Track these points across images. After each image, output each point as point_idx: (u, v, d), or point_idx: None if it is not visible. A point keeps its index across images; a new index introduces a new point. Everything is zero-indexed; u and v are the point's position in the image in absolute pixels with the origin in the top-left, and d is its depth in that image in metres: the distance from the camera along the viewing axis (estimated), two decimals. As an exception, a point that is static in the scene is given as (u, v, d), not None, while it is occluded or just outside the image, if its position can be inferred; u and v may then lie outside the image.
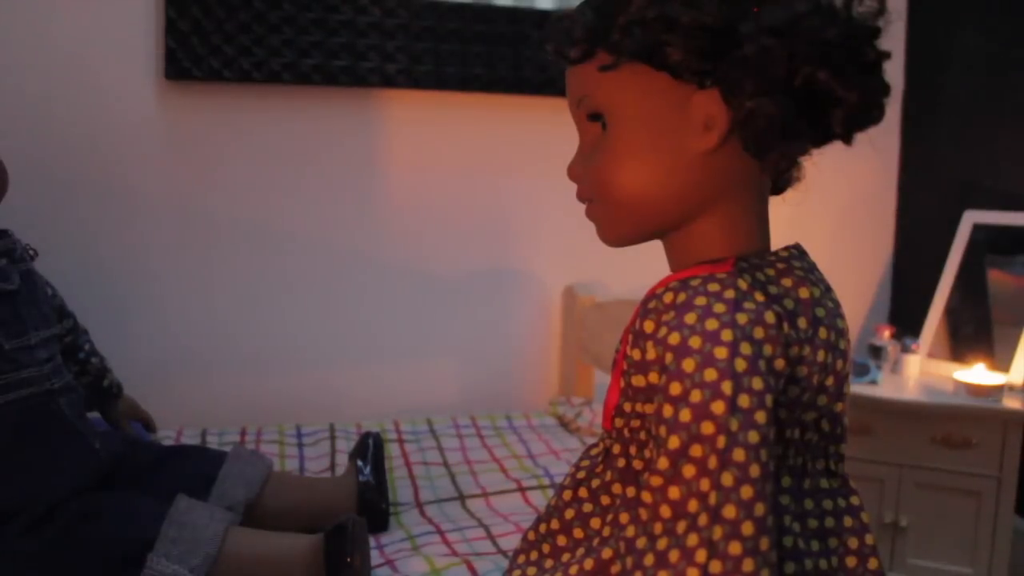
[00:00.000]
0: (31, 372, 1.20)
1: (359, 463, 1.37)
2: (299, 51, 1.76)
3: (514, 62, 1.90)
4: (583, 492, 0.72)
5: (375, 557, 1.20)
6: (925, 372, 1.99)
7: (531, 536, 0.75)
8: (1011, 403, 1.79)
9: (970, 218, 2.04)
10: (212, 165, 1.80)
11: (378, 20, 1.81)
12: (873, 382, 1.92)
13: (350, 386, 1.92)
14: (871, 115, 0.63)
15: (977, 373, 1.87)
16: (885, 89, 0.63)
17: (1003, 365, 1.88)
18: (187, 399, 1.80)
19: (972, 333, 2.00)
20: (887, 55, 0.62)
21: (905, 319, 2.19)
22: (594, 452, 0.73)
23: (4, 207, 1.23)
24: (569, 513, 0.72)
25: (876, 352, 2.01)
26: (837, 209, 2.21)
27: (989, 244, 2.01)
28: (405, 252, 1.94)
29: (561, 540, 0.72)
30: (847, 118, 0.62)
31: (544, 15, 1.92)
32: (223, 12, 1.71)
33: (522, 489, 1.48)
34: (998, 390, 1.81)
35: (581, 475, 0.72)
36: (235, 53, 1.73)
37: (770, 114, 0.60)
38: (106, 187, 1.74)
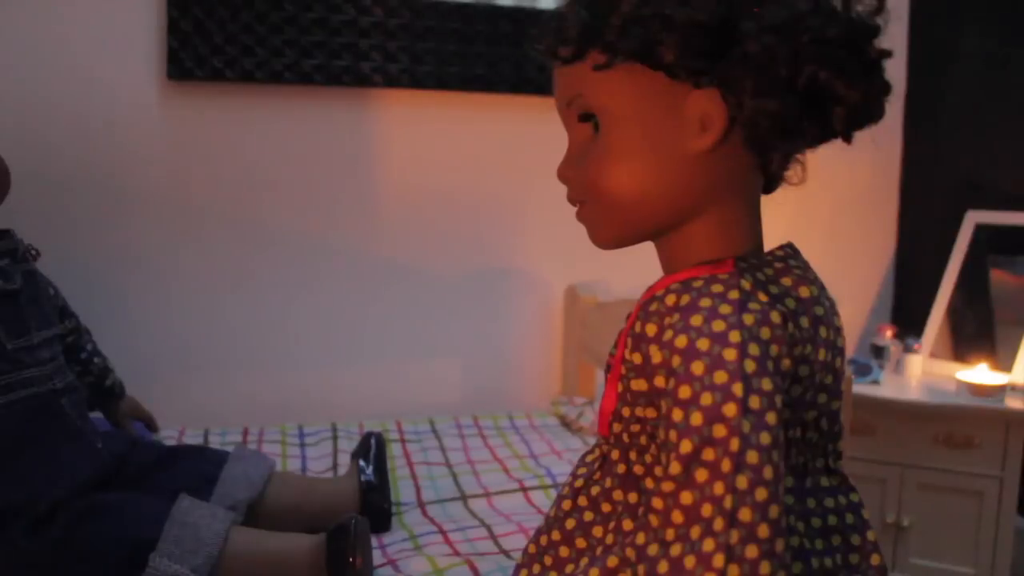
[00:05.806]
0: (33, 372, 1.20)
1: (361, 463, 1.37)
2: (301, 51, 1.76)
3: (516, 62, 1.90)
4: (583, 500, 0.71)
5: (377, 557, 1.20)
6: (927, 372, 1.99)
7: (532, 549, 0.73)
8: (1013, 403, 1.79)
9: (972, 218, 2.04)
10: (214, 165, 1.80)
11: (380, 20, 1.81)
12: (875, 382, 1.91)
13: (352, 386, 1.92)
14: (872, 114, 0.63)
15: (979, 373, 1.87)
16: (886, 88, 0.62)
17: (1005, 365, 1.88)
18: (189, 399, 1.80)
19: (974, 333, 2.00)
20: (888, 54, 0.62)
21: (907, 319, 2.18)
22: (590, 459, 0.72)
23: (6, 207, 1.23)
24: (570, 523, 0.71)
25: (878, 352, 2.01)
26: (839, 209, 2.21)
27: (991, 244, 2.01)
28: (407, 251, 1.94)
29: (563, 551, 0.71)
30: (848, 117, 0.62)
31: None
32: (225, 12, 1.71)
33: (524, 489, 1.48)
34: (1000, 390, 1.80)
35: (579, 483, 0.71)
36: (237, 53, 1.73)
37: (773, 113, 0.60)
38: (108, 187, 1.74)
